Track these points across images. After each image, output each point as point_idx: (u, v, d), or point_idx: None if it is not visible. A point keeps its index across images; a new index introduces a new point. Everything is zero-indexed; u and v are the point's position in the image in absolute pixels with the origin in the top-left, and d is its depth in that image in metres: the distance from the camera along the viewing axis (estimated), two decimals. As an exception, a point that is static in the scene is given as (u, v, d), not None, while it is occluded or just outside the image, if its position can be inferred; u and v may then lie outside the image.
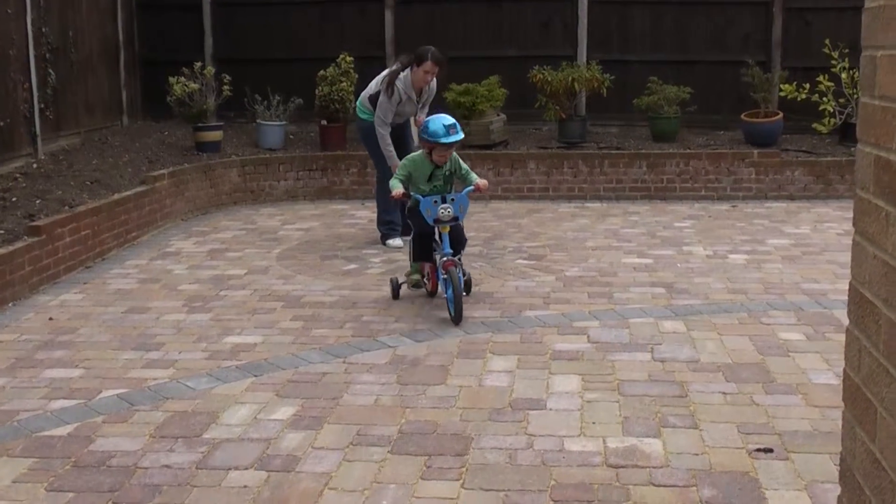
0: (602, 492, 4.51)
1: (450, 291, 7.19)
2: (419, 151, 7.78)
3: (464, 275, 7.49)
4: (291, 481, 4.67)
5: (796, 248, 9.96)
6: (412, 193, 7.54)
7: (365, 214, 12.15)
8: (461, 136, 7.49)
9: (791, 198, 13.00)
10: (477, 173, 8.13)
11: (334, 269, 9.25)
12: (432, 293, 7.89)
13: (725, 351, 6.54)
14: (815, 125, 13.41)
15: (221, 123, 13.64)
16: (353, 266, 9.35)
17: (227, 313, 7.66)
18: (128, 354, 6.63)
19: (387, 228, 10.42)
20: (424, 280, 7.89)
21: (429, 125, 7.49)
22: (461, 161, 7.76)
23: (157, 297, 8.19)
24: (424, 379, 6.02)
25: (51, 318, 7.56)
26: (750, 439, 5.07)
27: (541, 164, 13.34)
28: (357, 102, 10.52)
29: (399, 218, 10.40)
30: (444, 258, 7.32)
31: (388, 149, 10.00)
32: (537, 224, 11.33)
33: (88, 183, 10.68)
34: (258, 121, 13.87)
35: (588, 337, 6.89)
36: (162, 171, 11.58)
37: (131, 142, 13.32)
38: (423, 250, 7.72)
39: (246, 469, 4.81)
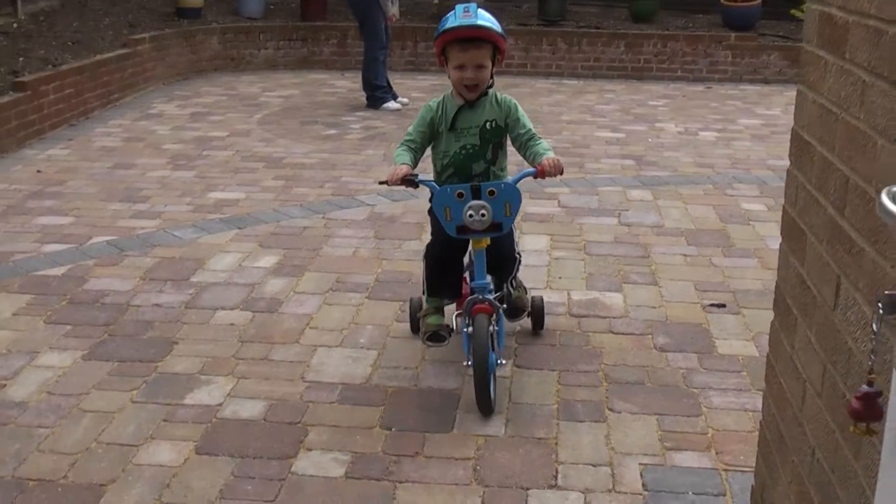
0: (563, 338, 4.84)
1: (469, 348, 4.09)
2: (441, 96, 4.35)
3: (517, 312, 4.66)
4: (275, 321, 4.98)
5: (766, 128, 10.22)
6: (421, 179, 4.10)
7: (344, 84, 12.30)
8: (490, 22, 4.10)
9: (765, 81, 13.21)
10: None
11: (314, 133, 9.46)
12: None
13: (689, 218, 6.84)
14: (792, 11, 13.54)
15: (203, -10, 13.65)
16: (333, 131, 9.56)
17: (211, 171, 7.90)
18: (115, 205, 6.88)
19: (381, 92, 10.69)
20: (450, 327, 4.46)
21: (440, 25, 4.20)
22: (521, 111, 4.31)
23: (141, 155, 8.40)
24: (400, 234, 6.30)
25: (39, 171, 7.77)
26: (705, 296, 5.40)
27: (520, 41, 13.45)
28: None
29: (389, 83, 10.75)
30: (474, 297, 4.14)
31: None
32: (514, 98, 11.49)
33: (70, 44, 10.77)
34: (239, -12, 13.88)
35: (559, 202, 7.18)
36: (143, 35, 11.65)
37: (111, 5, 13.32)
38: (442, 279, 4.44)
39: (232, 309, 5.11)
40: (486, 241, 4.12)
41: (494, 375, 4.11)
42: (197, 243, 6.11)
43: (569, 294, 5.37)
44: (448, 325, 4.42)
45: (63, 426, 3.92)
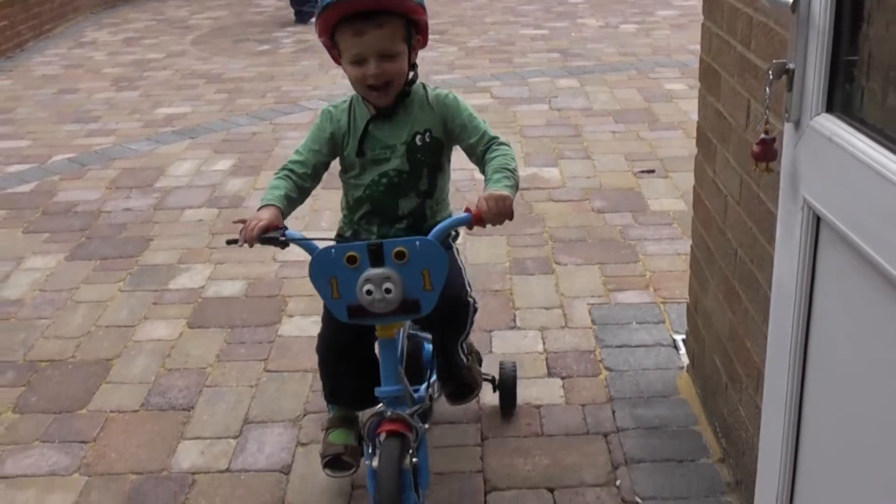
0: (510, 208, 5.24)
1: (374, 490, 2.61)
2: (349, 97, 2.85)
3: (464, 392, 3.15)
4: (240, 214, 5.30)
5: (683, 18, 10.65)
6: (291, 235, 2.59)
7: (271, 3, 12.50)
8: None
9: (679, -27, 13.60)
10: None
11: (248, 50, 9.72)
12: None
13: (615, 100, 7.27)
14: None
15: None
16: (266, 47, 9.83)
17: (154, 90, 8.15)
18: (69, 127, 7.14)
19: (309, 6, 10.92)
20: (358, 446, 2.97)
21: None
22: (466, 108, 2.84)
23: (84, 80, 8.62)
24: (347, 132, 6.65)
25: (-15, 101, 7.99)
26: (635, 165, 5.85)
27: (439, -52, 13.66)
28: None
29: None
30: (379, 413, 2.72)
31: None
32: (437, 4, 11.80)
33: (-5, -22, 10.84)
34: (156, -87, 13.90)
35: (491, 94, 7.57)
36: (67, -35, 11.75)
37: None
38: (341, 381, 2.96)
39: (199, 207, 5.46)
40: (396, 327, 2.73)
41: None
42: (154, 154, 6.41)
43: (510, 172, 5.77)
44: (358, 447, 2.95)
45: (61, 316, 4.27)
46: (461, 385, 3.11)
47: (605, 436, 3.30)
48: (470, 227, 2.55)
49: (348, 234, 2.93)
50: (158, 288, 4.49)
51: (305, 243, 2.57)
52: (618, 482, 3.07)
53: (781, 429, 1.97)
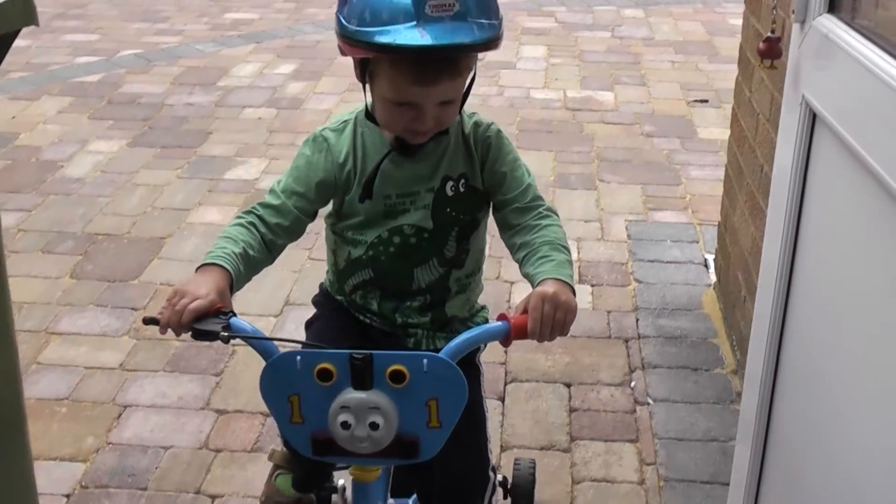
0: (560, 126, 5.35)
1: None
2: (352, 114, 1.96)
3: None
4: (298, 115, 5.50)
5: (756, -44, 10.55)
6: (238, 325, 1.54)
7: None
8: (489, 33, 1.69)
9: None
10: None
11: (320, -38, 9.83)
12: None
13: (678, 32, 7.30)
14: None
15: None
16: (337, -40, 9.93)
17: (224, -5, 8.34)
18: (137, 24, 7.34)
19: None
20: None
21: None
22: (512, 151, 1.94)
23: (155, -19, 8.81)
24: (409, 45, 6.76)
25: (59, -5, 8.20)
26: (690, 94, 5.90)
27: None
28: None
29: None
30: None
31: None
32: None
33: None
34: None
35: (555, 18, 7.63)
36: None
37: None
38: (303, 465, 2.12)
39: (259, 107, 5.62)
40: (375, 472, 1.72)
41: None
42: (219, 55, 6.58)
43: (565, 92, 5.87)
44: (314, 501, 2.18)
45: (120, 196, 4.47)
46: None
47: (626, 341, 3.44)
48: (505, 344, 1.62)
49: (341, 299, 2.06)
50: (214, 177, 4.68)
51: (259, 344, 1.57)
52: (632, 384, 3.21)
53: (770, 308, 2.09)
